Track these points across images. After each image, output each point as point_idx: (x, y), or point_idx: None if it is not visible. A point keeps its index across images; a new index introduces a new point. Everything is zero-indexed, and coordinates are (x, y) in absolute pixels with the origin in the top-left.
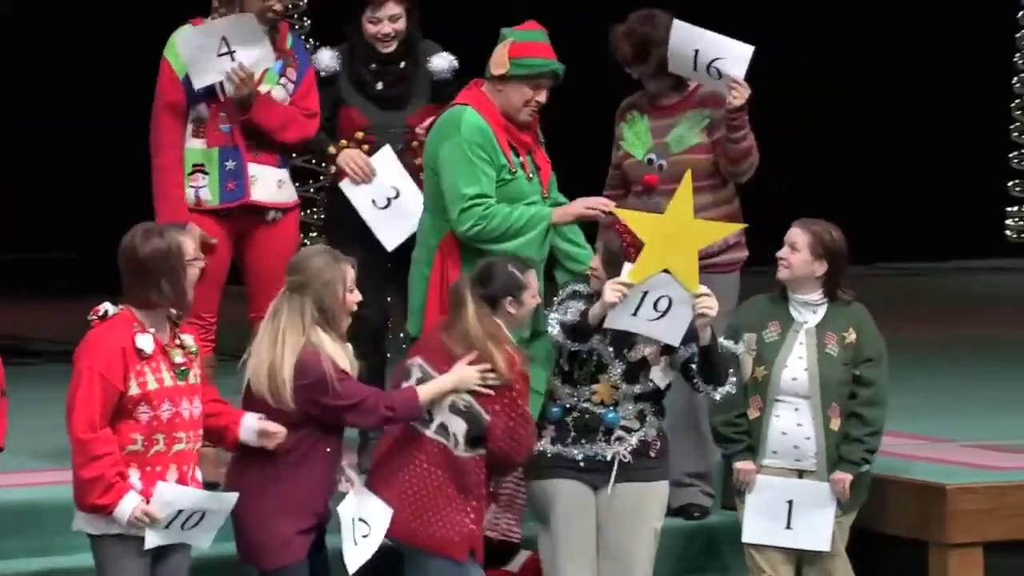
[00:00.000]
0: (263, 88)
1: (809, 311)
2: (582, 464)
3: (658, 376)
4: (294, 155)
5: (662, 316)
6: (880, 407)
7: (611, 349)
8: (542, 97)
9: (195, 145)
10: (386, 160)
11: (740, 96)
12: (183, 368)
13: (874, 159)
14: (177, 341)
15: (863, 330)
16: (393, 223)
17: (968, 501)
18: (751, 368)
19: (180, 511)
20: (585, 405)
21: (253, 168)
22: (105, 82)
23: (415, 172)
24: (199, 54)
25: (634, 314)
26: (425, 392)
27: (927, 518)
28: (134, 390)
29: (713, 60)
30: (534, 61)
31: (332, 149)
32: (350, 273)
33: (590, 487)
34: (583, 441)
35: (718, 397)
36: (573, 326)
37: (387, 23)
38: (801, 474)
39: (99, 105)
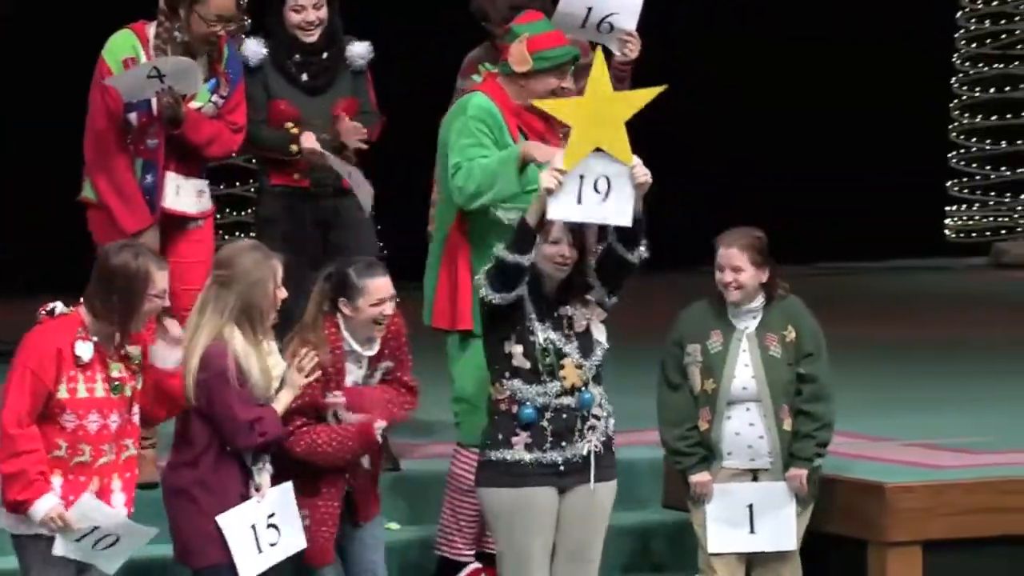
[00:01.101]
0: (194, 105)
1: (749, 316)
2: (562, 468)
3: (602, 335)
4: (233, 153)
5: (605, 197)
6: (826, 401)
7: (537, 308)
8: (568, 83)
9: None
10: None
11: (635, 48)
12: (118, 383)
13: (810, 163)
14: (123, 351)
15: (801, 326)
16: (362, 189)
17: (907, 500)
18: (699, 381)
19: (96, 528)
20: (559, 402)
21: (177, 179)
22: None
23: (343, 160)
24: (130, 86)
25: (579, 202)
26: (280, 406)
27: (867, 517)
28: (63, 394)
29: (606, 16)
30: (555, 52)
31: (294, 148)
32: (279, 269)
33: (559, 491)
34: (562, 444)
35: (635, 260)
36: (514, 238)
37: (311, 10)
38: (756, 474)
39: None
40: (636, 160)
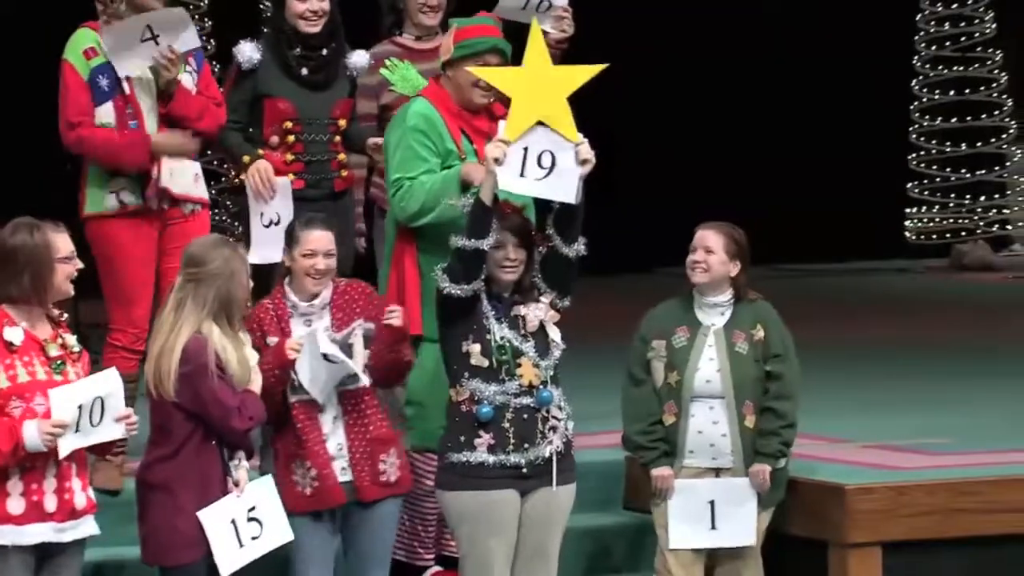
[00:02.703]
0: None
1: (717, 313)
2: (525, 471)
3: (557, 336)
4: (207, 152)
5: (549, 172)
6: (791, 400)
7: (494, 307)
8: None
9: None
10: (285, 189)
11: (571, 25)
12: (59, 361)
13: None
14: (60, 340)
15: (770, 327)
16: (268, 244)
17: (866, 501)
18: (663, 375)
19: (80, 407)
20: (518, 401)
21: (171, 162)
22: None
23: (338, 168)
24: (122, 42)
25: (522, 175)
26: (255, 387)
27: (826, 518)
28: (3, 383)
29: None
30: (475, 40)
31: (247, 159)
32: (247, 260)
33: (520, 493)
34: (524, 446)
35: (572, 254)
36: (470, 221)
37: (315, 0)
38: (718, 473)
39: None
40: (581, 138)
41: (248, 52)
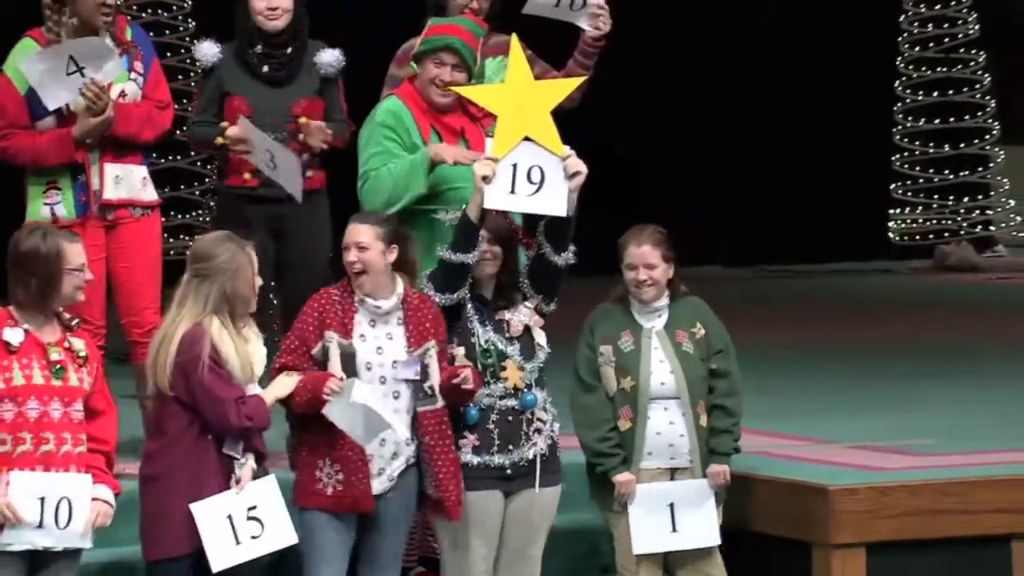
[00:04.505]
0: (115, 88)
1: (655, 315)
2: (509, 472)
3: (543, 339)
4: (180, 156)
5: (539, 188)
6: (740, 396)
7: (478, 311)
8: (445, 74)
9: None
10: (247, 127)
11: (607, 22)
12: (59, 367)
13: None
14: (67, 344)
15: (708, 323)
16: (289, 177)
17: (850, 502)
18: (615, 380)
19: (43, 499)
20: (503, 403)
21: (117, 169)
22: None
23: (302, 164)
24: (47, 76)
25: (512, 191)
26: (269, 397)
27: (810, 519)
28: None
29: None
30: (433, 37)
31: (219, 140)
32: (254, 257)
33: (504, 494)
34: (509, 447)
35: (562, 264)
36: (457, 236)
37: None
38: (673, 473)
39: None
40: (568, 151)
41: (206, 50)
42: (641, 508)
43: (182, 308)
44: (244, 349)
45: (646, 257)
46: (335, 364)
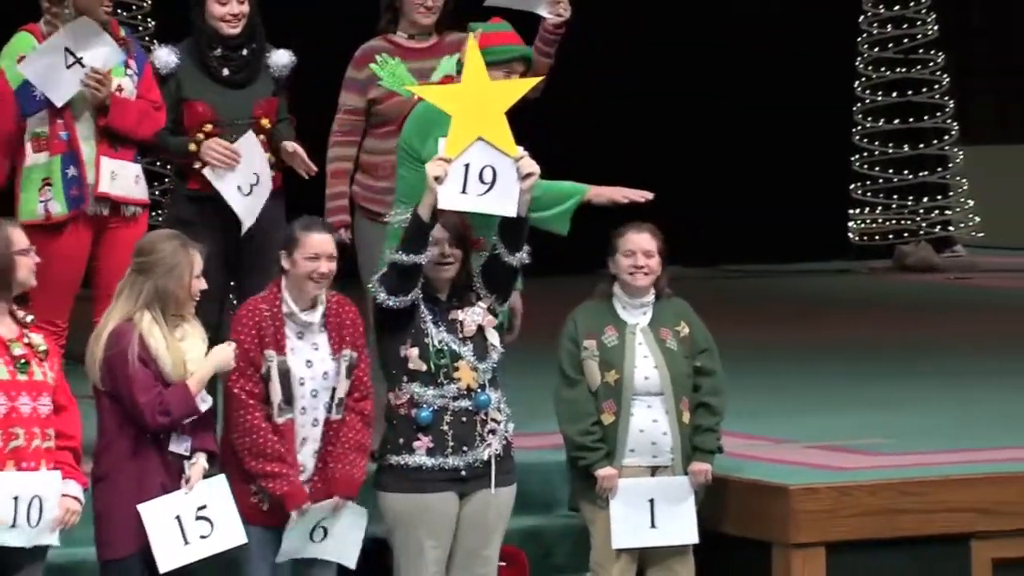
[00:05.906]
0: (113, 82)
1: (640, 312)
2: (463, 474)
3: (496, 339)
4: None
5: (491, 188)
6: (723, 395)
7: (432, 311)
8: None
9: (39, 160)
10: (250, 145)
11: (567, 9)
12: (23, 361)
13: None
14: (26, 340)
15: (692, 322)
16: (253, 206)
17: (810, 501)
18: (599, 374)
19: (16, 498)
20: (457, 404)
21: (112, 163)
22: None
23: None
24: (48, 73)
25: (463, 191)
26: (194, 384)
27: (770, 518)
28: None
29: None
30: (502, 47)
31: (192, 147)
32: (198, 260)
33: (459, 496)
34: (463, 449)
35: (516, 264)
36: (407, 236)
37: (235, 3)
38: (655, 471)
39: None
40: (522, 152)
41: (164, 57)
42: (622, 503)
43: (117, 302)
44: (176, 346)
45: (644, 244)
46: (276, 387)
